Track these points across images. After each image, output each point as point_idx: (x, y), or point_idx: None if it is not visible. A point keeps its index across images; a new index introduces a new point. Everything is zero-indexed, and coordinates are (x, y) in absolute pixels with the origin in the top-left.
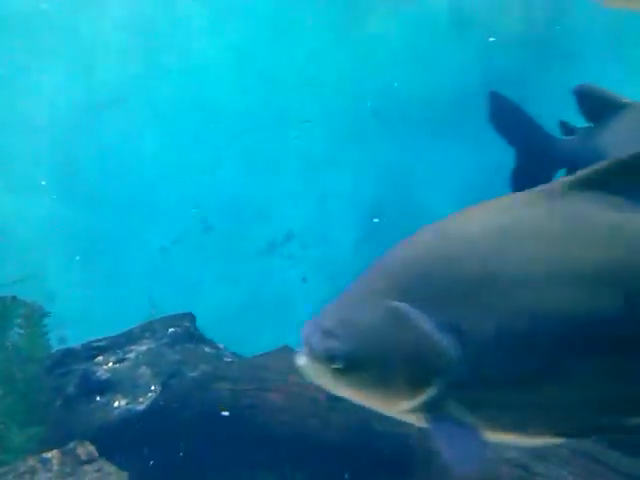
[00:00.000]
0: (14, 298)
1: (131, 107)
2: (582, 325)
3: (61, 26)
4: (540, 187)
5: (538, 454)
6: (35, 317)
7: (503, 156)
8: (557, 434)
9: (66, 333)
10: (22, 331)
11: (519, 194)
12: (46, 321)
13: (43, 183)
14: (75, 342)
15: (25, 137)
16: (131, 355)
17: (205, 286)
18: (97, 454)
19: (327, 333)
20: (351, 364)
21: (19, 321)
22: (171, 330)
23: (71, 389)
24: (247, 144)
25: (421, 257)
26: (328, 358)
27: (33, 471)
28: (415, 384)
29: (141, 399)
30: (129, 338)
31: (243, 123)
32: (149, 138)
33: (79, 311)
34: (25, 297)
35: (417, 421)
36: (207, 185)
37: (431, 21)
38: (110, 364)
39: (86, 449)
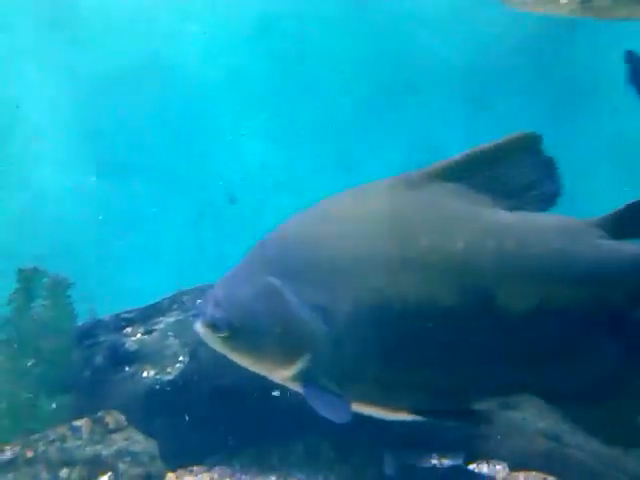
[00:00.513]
0: (36, 269)
1: (157, 78)
2: (425, 307)
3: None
4: (400, 176)
5: (570, 425)
6: (60, 288)
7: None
8: (416, 412)
9: (96, 306)
10: (46, 302)
11: (382, 181)
12: (72, 292)
13: (74, 158)
14: (105, 314)
15: (53, 112)
16: (160, 326)
17: (232, 259)
18: (126, 423)
19: (216, 304)
20: (232, 332)
21: (43, 293)
22: (199, 301)
23: (100, 360)
24: (273, 114)
25: (292, 238)
26: (214, 325)
27: (63, 439)
28: (287, 356)
29: (169, 369)
30: (158, 310)
31: (269, 93)
32: (176, 110)
33: (109, 284)
34: (55, 271)
35: (297, 388)
36: (232, 158)
37: None
38: (139, 335)
39: (115, 418)
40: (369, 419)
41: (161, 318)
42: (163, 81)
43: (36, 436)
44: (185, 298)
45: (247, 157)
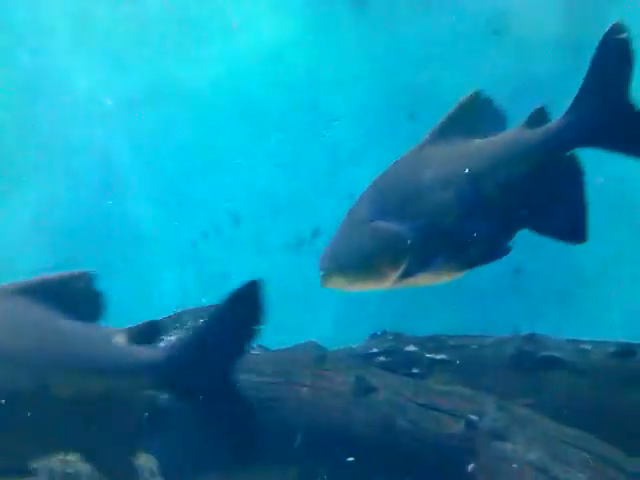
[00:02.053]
0: None
1: (165, 101)
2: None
3: (97, 23)
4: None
5: (559, 457)
6: None
7: None
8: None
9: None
10: None
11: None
12: None
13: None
14: None
15: (65, 130)
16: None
17: (233, 280)
18: None
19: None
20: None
21: None
22: (200, 321)
23: None
24: (278, 140)
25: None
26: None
27: None
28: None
29: None
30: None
31: (275, 119)
32: (182, 132)
33: (110, 302)
34: None
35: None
36: (238, 180)
37: (468, 23)
38: None
39: None
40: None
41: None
42: (173, 103)
43: None
44: (186, 317)
45: (252, 181)
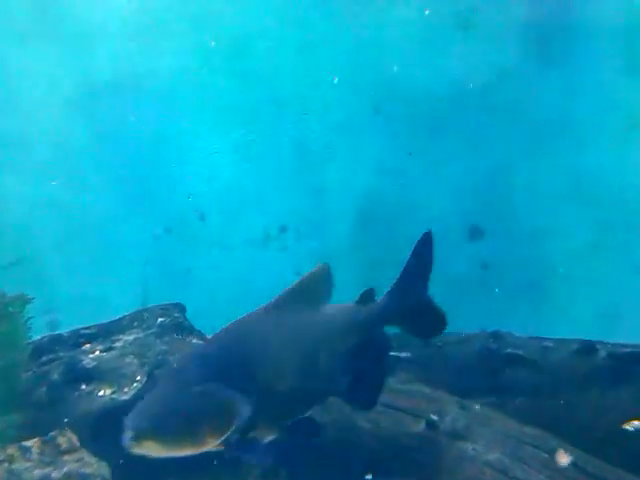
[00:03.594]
0: None
1: (128, 92)
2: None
3: (58, 10)
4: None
5: (519, 457)
6: (16, 304)
7: (500, 155)
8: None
9: (57, 317)
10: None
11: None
12: (31, 307)
13: (40, 167)
14: (67, 327)
15: (23, 120)
16: (118, 344)
17: (198, 275)
18: (78, 444)
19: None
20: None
21: None
22: (160, 320)
23: (56, 377)
24: (244, 134)
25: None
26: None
27: (11, 460)
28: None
29: (126, 389)
30: (118, 326)
31: (240, 113)
32: (147, 125)
33: (72, 296)
34: (18, 281)
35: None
36: (202, 175)
37: (436, 16)
38: (97, 352)
39: (67, 438)
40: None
41: (121, 335)
42: (136, 96)
43: None
44: (146, 315)
45: (217, 174)
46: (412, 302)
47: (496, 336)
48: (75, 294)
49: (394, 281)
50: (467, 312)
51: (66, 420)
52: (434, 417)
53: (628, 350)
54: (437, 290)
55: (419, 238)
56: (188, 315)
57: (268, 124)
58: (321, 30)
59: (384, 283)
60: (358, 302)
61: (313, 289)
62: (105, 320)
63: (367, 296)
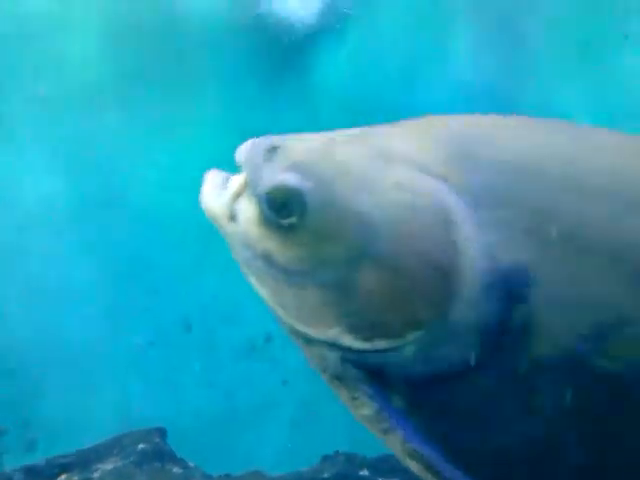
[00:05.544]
0: None
1: (121, 214)
2: None
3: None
4: None
5: None
6: None
7: None
8: None
9: (37, 437)
10: None
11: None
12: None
13: None
14: (45, 447)
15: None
16: (96, 475)
17: (185, 389)
18: None
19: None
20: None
21: None
22: (140, 447)
23: None
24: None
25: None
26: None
27: None
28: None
29: None
30: (96, 454)
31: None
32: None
33: (51, 415)
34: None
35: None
36: (188, 287)
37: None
38: None
39: None
40: None
41: (99, 465)
42: (124, 215)
43: None
44: (125, 442)
45: (204, 288)
46: None
47: None
48: (55, 414)
49: None
50: None
51: None
52: None
53: None
54: None
55: None
56: (173, 433)
57: None
58: None
59: None
60: None
61: None
62: (85, 440)
63: None
